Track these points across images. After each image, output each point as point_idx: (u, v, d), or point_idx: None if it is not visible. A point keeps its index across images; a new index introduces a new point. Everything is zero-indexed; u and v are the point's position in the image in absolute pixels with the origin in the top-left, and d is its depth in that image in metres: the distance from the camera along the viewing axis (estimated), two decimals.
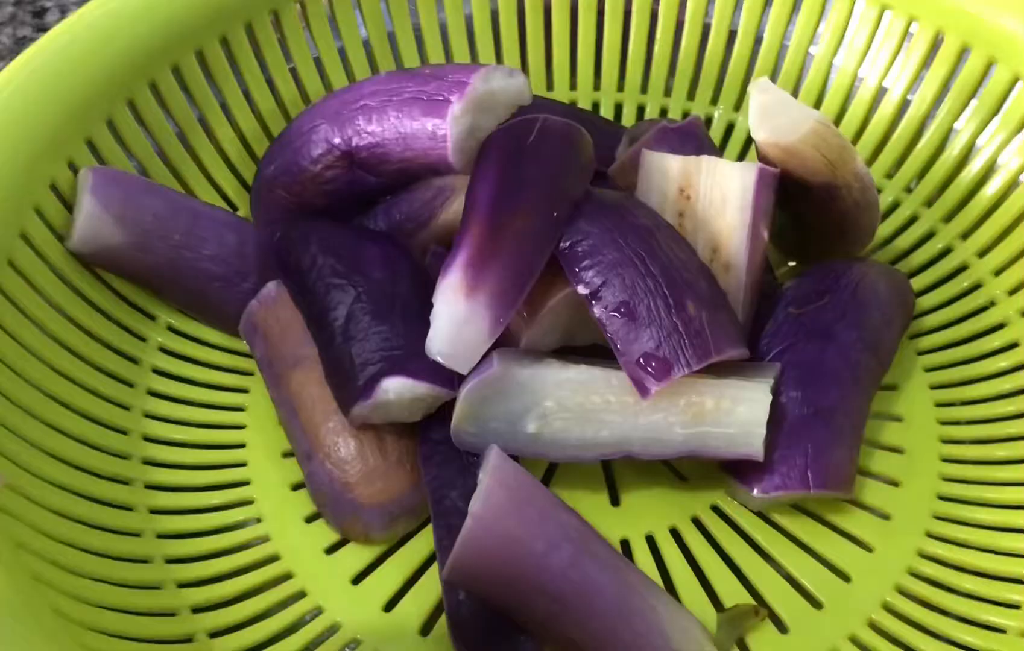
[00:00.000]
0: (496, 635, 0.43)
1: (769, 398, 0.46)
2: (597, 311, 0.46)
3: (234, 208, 0.59)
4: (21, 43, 0.78)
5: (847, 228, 0.54)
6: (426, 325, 0.46)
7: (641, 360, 0.45)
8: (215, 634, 0.45)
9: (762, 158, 0.52)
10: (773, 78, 0.65)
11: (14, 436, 0.45)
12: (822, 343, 0.50)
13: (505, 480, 0.42)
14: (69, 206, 0.52)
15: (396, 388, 0.46)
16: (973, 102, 0.59)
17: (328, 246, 0.51)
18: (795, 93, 0.65)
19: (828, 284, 0.53)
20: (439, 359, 0.45)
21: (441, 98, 0.50)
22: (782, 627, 0.46)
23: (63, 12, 0.81)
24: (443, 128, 0.50)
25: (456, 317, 0.45)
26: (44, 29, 0.79)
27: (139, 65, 0.55)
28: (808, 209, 0.53)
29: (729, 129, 0.66)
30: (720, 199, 0.50)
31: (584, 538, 0.43)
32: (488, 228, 0.46)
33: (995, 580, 0.47)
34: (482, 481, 0.42)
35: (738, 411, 0.46)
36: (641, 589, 0.43)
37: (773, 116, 0.50)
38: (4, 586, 0.37)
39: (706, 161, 0.51)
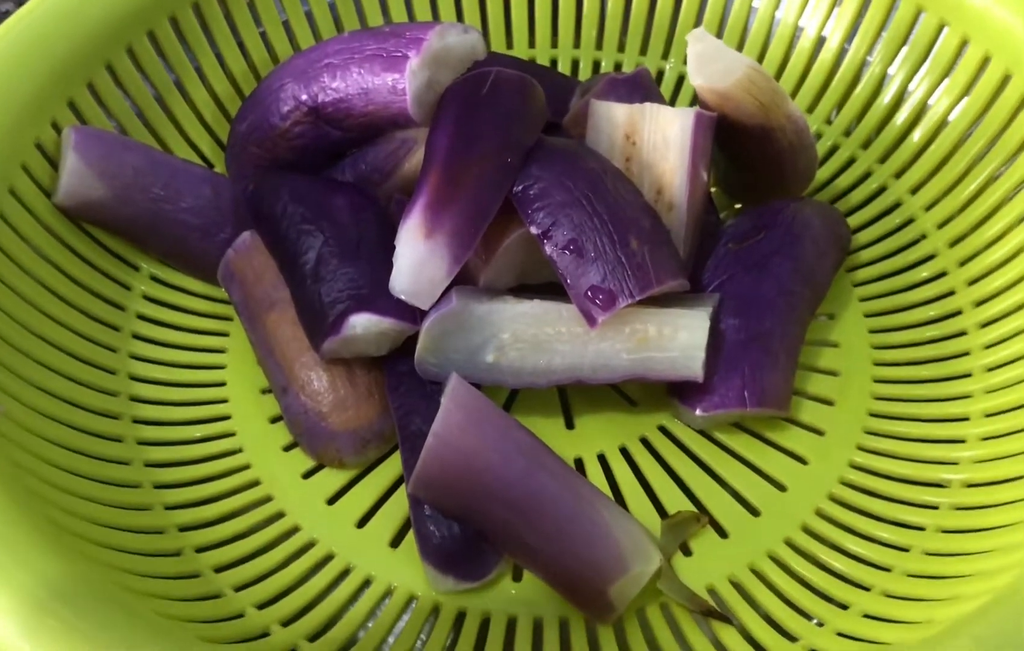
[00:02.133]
0: (457, 542, 0.47)
1: (708, 324, 0.50)
2: (548, 249, 0.49)
3: (210, 165, 0.63)
4: (3, 17, 0.80)
5: (785, 169, 0.57)
6: (390, 266, 0.49)
7: (588, 293, 0.48)
8: (201, 550, 0.48)
9: (701, 104, 0.55)
10: (720, 31, 0.69)
11: (9, 373, 0.48)
12: (758, 274, 0.54)
13: (463, 401, 0.45)
14: (54, 164, 0.55)
15: (363, 323, 0.49)
16: (904, 49, 0.63)
17: (298, 195, 0.54)
18: (740, 45, 0.68)
19: (766, 221, 0.56)
20: (402, 296, 0.48)
21: (400, 54, 0.53)
22: (723, 533, 0.50)
23: None
24: (402, 82, 0.53)
25: (417, 257, 0.48)
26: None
27: (116, 31, 0.58)
28: (747, 151, 0.57)
29: (680, 81, 0.69)
30: (663, 143, 0.54)
31: (537, 452, 0.46)
32: (445, 174, 0.49)
33: (918, 485, 0.51)
34: (443, 404, 0.45)
35: (679, 336, 0.50)
36: (591, 497, 0.46)
37: (709, 63, 0.54)
38: (2, 497, 0.41)
39: (649, 108, 0.54)
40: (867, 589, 0.47)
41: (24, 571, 0.38)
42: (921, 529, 0.49)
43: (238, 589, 0.47)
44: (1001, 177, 0.58)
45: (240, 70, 0.64)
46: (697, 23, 0.69)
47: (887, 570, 0.48)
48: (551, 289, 0.52)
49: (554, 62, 0.71)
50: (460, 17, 0.70)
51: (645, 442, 0.53)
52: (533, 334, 0.50)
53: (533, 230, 0.50)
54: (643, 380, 0.50)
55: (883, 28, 0.63)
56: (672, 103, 0.68)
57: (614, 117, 0.55)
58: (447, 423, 0.45)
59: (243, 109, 0.59)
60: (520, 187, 0.50)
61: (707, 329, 0.50)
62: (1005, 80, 0.58)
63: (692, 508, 0.51)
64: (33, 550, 0.39)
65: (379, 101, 0.54)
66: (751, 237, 0.55)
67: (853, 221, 0.62)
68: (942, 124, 0.61)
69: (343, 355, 0.51)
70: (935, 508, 0.50)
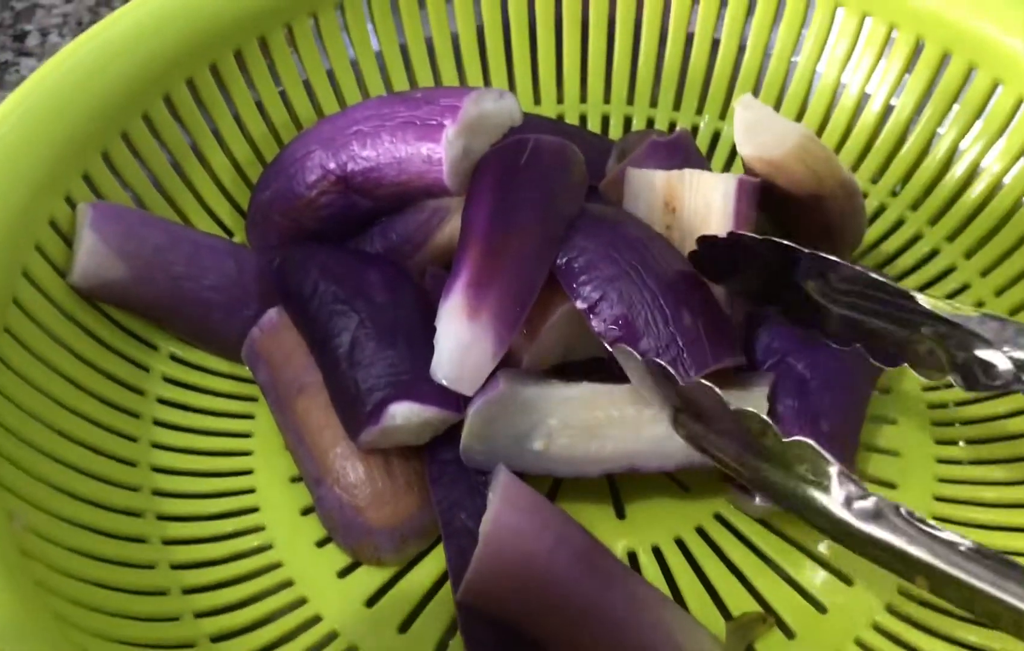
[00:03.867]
0: None
1: (766, 406, 0.47)
2: (596, 325, 0.47)
3: (230, 234, 0.60)
4: (3, 68, 0.78)
5: (834, 235, 0.55)
6: (430, 348, 0.46)
7: None
8: None
9: (749, 172, 0.53)
10: (757, 86, 0.66)
11: (26, 476, 0.45)
12: (815, 351, 0.51)
13: (514, 500, 0.43)
14: (68, 241, 0.52)
15: (404, 413, 0.46)
16: (955, 107, 0.61)
17: (329, 271, 0.51)
18: (779, 101, 0.66)
19: None
20: (445, 383, 0.46)
21: (434, 122, 0.51)
22: (789, 633, 0.47)
23: (44, 35, 0.81)
24: (438, 152, 0.50)
25: (460, 340, 0.45)
26: (27, 53, 0.79)
27: (132, 96, 0.55)
28: (796, 218, 0.54)
29: (715, 138, 0.67)
30: (704, 209, 0.51)
31: (593, 554, 0.43)
32: (486, 250, 0.47)
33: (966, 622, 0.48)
34: (491, 502, 0.43)
35: None
36: (651, 601, 0.44)
37: (758, 132, 0.51)
38: (29, 630, 0.38)
39: (689, 174, 0.52)
40: None
41: None
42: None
43: None
44: None
45: (259, 132, 0.61)
46: (733, 77, 0.67)
47: None
48: (598, 365, 0.50)
49: (583, 118, 0.68)
50: (486, 73, 0.67)
51: (701, 532, 0.50)
52: (583, 419, 0.47)
53: (579, 305, 0.48)
54: (700, 467, 0.48)
55: (933, 84, 0.61)
56: (708, 159, 0.66)
57: (653, 184, 0.53)
58: (499, 525, 0.42)
59: (265, 177, 0.56)
60: (564, 259, 0.48)
61: (765, 411, 0.47)
62: None
63: (754, 604, 0.48)
64: None
65: (413, 171, 0.51)
66: None
67: (905, 286, 0.59)
68: (997, 186, 0.59)
69: (381, 445, 0.48)
70: None
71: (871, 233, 0.62)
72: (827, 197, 0.52)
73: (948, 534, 0.38)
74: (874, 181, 0.63)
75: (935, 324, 0.46)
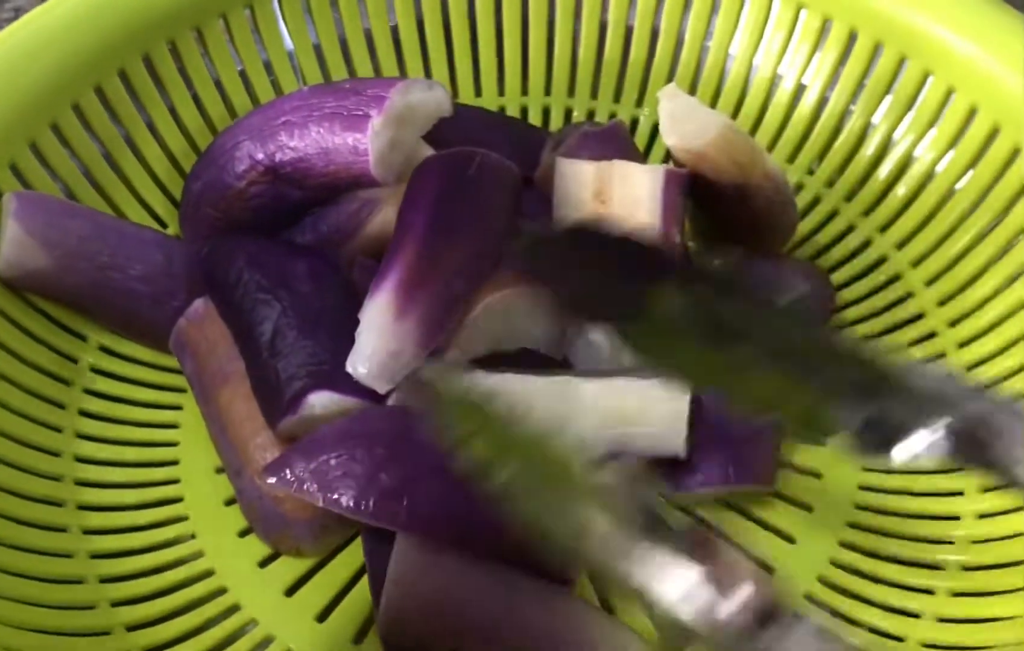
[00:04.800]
0: None
1: (688, 396, 0.47)
2: None
3: (164, 225, 0.59)
4: None
5: (763, 226, 0.55)
6: (352, 339, 0.46)
7: None
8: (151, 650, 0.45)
9: (675, 163, 0.53)
10: (695, 79, 0.66)
11: None
12: None
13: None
14: None
15: (323, 402, 0.46)
16: (888, 98, 0.61)
17: (254, 260, 0.51)
18: (717, 93, 0.66)
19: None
20: (359, 376, 0.46)
21: (361, 113, 0.51)
22: None
23: None
24: (364, 143, 0.50)
25: (383, 337, 0.45)
26: None
27: (62, 87, 0.55)
28: (724, 209, 0.54)
29: (655, 130, 0.67)
30: (632, 202, 0.51)
31: (509, 577, 0.43)
32: (422, 255, 0.47)
33: (913, 567, 0.49)
34: (397, 542, 0.42)
35: (659, 410, 0.47)
36: (576, 615, 0.43)
37: (682, 121, 0.51)
38: None
39: (619, 165, 0.52)
40: None
41: None
42: (917, 616, 0.47)
43: None
44: (992, 233, 0.56)
45: (195, 124, 0.61)
46: (672, 70, 0.67)
47: None
48: (526, 358, 0.50)
49: (524, 110, 0.68)
50: (427, 64, 0.67)
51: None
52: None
53: None
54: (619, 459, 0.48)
55: (865, 76, 0.61)
56: (648, 153, 0.66)
57: (582, 175, 0.53)
58: (405, 564, 0.42)
59: (197, 168, 0.56)
60: None
61: (688, 402, 0.47)
62: (994, 133, 0.56)
63: None
64: None
65: (340, 161, 0.51)
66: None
67: (837, 277, 0.59)
68: (928, 176, 0.59)
69: (301, 435, 0.48)
70: (931, 593, 0.47)
71: (805, 224, 0.61)
72: (752, 188, 0.52)
73: None
74: (810, 172, 0.63)
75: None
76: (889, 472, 0.52)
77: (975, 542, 0.49)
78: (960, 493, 0.50)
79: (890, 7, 0.59)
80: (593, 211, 0.52)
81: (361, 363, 0.45)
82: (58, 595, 0.45)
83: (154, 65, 0.59)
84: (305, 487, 0.43)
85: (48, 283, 0.52)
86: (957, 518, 0.50)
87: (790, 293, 0.53)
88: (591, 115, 0.68)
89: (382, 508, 0.43)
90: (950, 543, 0.49)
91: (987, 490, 0.50)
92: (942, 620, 0.46)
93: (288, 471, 0.44)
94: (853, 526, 0.50)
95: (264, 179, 0.53)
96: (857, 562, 0.49)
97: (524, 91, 0.68)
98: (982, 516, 0.49)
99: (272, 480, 0.44)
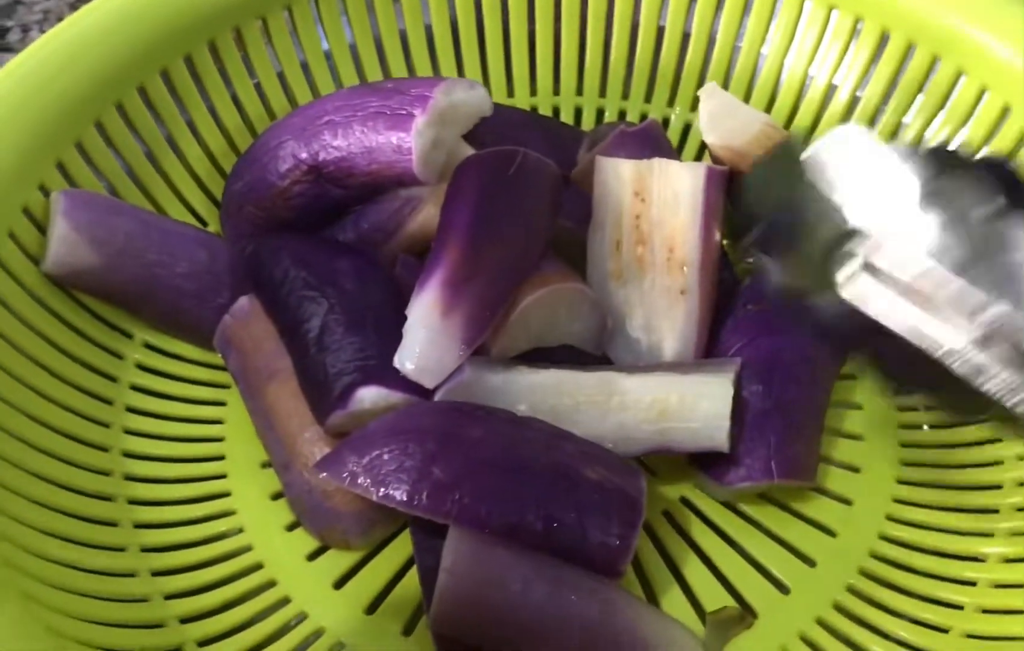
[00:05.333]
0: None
1: (731, 392, 0.48)
2: None
3: (204, 223, 0.60)
4: None
5: None
6: (399, 335, 0.47)
7: None
8: (203, 643, 0.45)
9: (714, 160, 0.53)
10: (727, 79, 0.67)
11: None
12: (781, 338, 0.51)
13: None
14: (42, 229, 0.52)
15: (371, 397, 0.47)
16: (920, 97, 0.61)
17: (300, 259, 0.52)
18: (748, 93, 0.66)
19: None
20: (407, 372, 0.46)
21: (404, 112, 0.51)
22: (752, 613, 0.48)
23: (25, 31, 0.81)
24: (408, 141, 0.51)
25: (430, 334, 0.46)
26: (7, 49, 0.79)
27: (106, 86, 0.56)
28: None
29: (686, 130, 0.68)
30: (673, 199, 0.52)
31: (558, 568, 0.43)
32: (467, 252, 0.48)
33: (953, 559, 0.49)
34: (450, 532, 0.43)
35: (702, 406, 0.48)
36: (622, 607, 0.44)
37: (722, 119, 0.52)
38: None
39: (658, 164, 0.52)
40: None
41: None
42: (959, 608, 0.47)
43: None
44: None
45: (234, 124, 0.62)
46: (703, 70, 0.67)
47: None
48: (567, 353, 0.51)
49: (556, 110, 0.69)
50: (460, 65, 0.68)
51: (668, 515, 0.51)
52: (551, 405, 0.48)
53: None
54: (666, 452, 0.48)
55: (898, 75, 0.61)
56: (679, 151, 0.66)
57: (621, 174, 0.53)
58: (459, 555, 0.42)
59: (238, 167, 0.57)
60: None
61: (731, 398, 0.48)
62: None
63: (721, 589, 0.48)
64: None
65: (383, 160, 0.52)
66: (770, 297, 0.53)
67: None
68: None
69: (349, 429, 0.48)
70: (973, 584, 0.48)
71: None
72: None
73: None
74: None
75: None
76: (927, 466, 0.53)
77: (1015, 534, 0.49)
78: (999, 487, 0.51)
79: (921, 7, 0.59)
80: (632, 209, 0.53)
81: (409, 360, 0.46)
82: (111, 587, 0.46)
83: (195, 66, 0.60)
84: (359, 482, 0.44)
85: (95, 280, 0.53)
86: (996, 511, 0.50)
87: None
88: (622, 115, 0.69)
89: (435, 502, 0.43)
90: (990, 536, 0.49)
91: None
92: (985, 611, 0.47)
93: (341, 466, 0.45)
94: (892, 519, 0.51)
95: (307, 178, 0.54)
96: (898, 555, 0.50)
97: (556, 91, 0.69)
98: (1020, 510, 0.50)
99: (325, 475, 0.45)
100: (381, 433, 0.45)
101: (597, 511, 0.44)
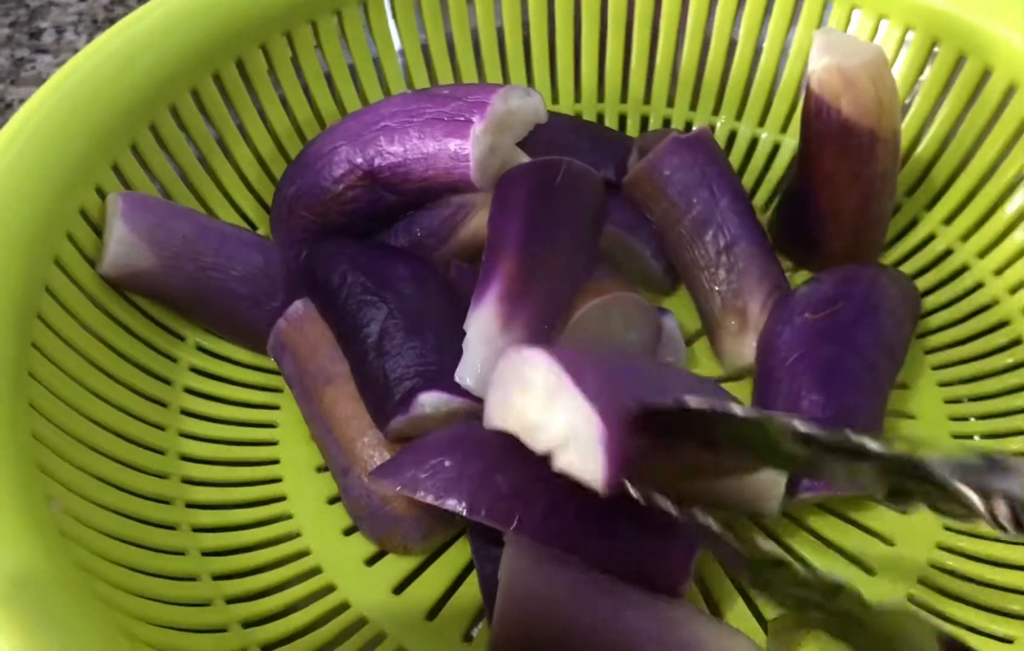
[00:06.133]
0: None
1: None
2: None
3: (253, 226, 0.60)
4: (20, 64, 0.78)
5: (868, 216, 0.56)
6: (457, 339, 0.47)
7: None
8: (266, 647, 0.45)
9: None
10: (773, 87, 0.67)
11: (60, 460, 0.45)
12: (840, 346, 0.51)
13: (527, 544, 0.43)
14: (99, 231, 0.52)
15: (432, 402, 0.47)
16: (971, 108, 0.61)
17: (357, 264, 0.52)
18: (794, 104, 0.66)
19: (840, 290, 0.54)
20: (468, 387, 0.46)
21: (463, 118, 0.51)
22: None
23: (60, 32, 0.81)
24: (466, 148, 0.51)
25: (490, 350, 0.46)
26: (42, 50, 0.79)
27: (159, 89, 0.56)
28: (831, 197, 0.56)
29: (732, 138, 0.68)
30: None
31: (617, 586, 0.43)
32: (522, 264, 0.48)
33: (1014, 570, 0.49)
34: (505, 551, 0.42)
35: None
36: (683, 620, 0.43)
37: (838, 45, 0.52)
38: (76, 611, 0.38)
39: None
40: None
41: None
42: (1022, 619, 0.47)
43: None
44: None
45: (283, 128, 0.62)
46: (749, 78, 0.67)
47: None
48: None
49: (600, 117, 0.69)
50: (505, 72, 0.68)
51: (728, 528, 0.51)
52: None
53: None
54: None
55: (948, 85, 0.61)
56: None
57: None
58: (516, 573, 0.42)
59: (290, 172, 0.57)
60: None
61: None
62: None
63: None
64: None
65: (440, 167, 0.52)
66: (828, 306, 0.53)
67: (919, 285, 0.59)
68: (1011, 187, 0.59)
69: (409, 434, 0.49)
70: None
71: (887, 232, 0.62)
72: (880, 141, 0.53)
73: None
74: None
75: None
76: None
77: None
78: None
79: (975, 20, 0.59)
80: None
81: (470, 375, 0.46)
82: (175, 591, 0.46)
83: (246, 69, 0.60)
84: (420, 489, 0.44)
85: (152, 282, 0.53)
86: None
87: (885, 299, 0.53)
88: (666, 123, 0.68)
89: (497, 512, 0.43)
90: None
91: None
92: None
93: (402, 473, 0.45)
94: (949, 529, 0.51)
95: (361, 183, 0.54)
96: (956, 564, 0.49)
97: (600, 98, 0.69)
98: None
99: (386, 481, 0.45)
100: (443, 442, 0.45)
101: (657, 530, 0.44)
